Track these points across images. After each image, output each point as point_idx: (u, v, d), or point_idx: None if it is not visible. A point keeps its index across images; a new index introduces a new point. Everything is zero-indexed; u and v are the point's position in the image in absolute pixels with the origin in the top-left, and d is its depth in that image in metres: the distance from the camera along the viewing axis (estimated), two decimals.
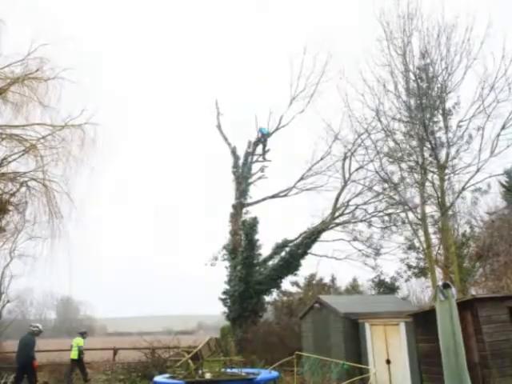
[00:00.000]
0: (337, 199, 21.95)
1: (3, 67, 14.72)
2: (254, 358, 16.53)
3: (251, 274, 21.38)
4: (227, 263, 22.92)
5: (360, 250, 21.60)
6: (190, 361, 11.30)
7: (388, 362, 11.62)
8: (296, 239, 22.81)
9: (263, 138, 24.16)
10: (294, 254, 21.77)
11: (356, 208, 21.56)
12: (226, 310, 22.13)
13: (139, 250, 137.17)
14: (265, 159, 24.68)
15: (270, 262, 22.52)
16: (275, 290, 22.79)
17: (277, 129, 24.50)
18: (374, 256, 21.12)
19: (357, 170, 20.64)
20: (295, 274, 22.36)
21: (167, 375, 11.99)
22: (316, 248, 22.37)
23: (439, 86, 16.54)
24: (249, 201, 24.12)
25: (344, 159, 20.68)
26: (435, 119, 16.78)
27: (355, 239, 21.51)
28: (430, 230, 17.67)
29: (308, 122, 25.95)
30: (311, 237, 21.92)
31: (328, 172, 21.93)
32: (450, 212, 17.35)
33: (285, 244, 22.79)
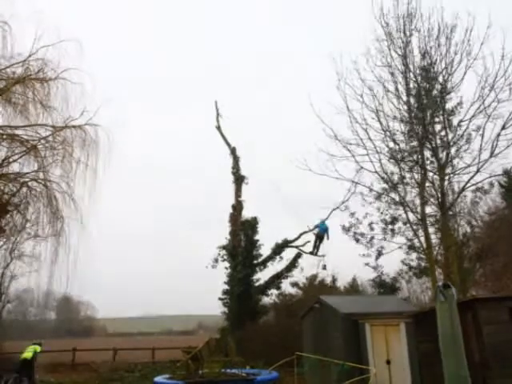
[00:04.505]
0: None
1: (5, 68, 14.73)
2: (254, 359, 16.54)
3: (251, 274, 21.40)
4: (227, 263, 22.95)
5: (363, 255, 21.58)
6: (189, 361, 11.32)
7: (388, 362, 11.61)
8: (296, 239, 22.84)
9: (319, 233, 20.56)
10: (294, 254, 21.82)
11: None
12: (225, 310, 22.14)
13: (139, 250, 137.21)
14: (317, 254, 21.21)
15: (270, 262, 22.55)
16: (275, 290, 22.83)
17: None
18: (376, 256, 21.09)
19: (357, 171, 20.62)
20: (292, 270, 22.46)
21: (167, 375, 12.02)
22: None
23: (439, 86, 16.56)
24: None
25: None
26: (435, 119, 16.80)
27: (356, 240, 21.49)
28: (430, 230, 17.68)
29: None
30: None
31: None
32: (450, 212, 17.35)
33: (285, 244, 22.81)
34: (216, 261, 23.25)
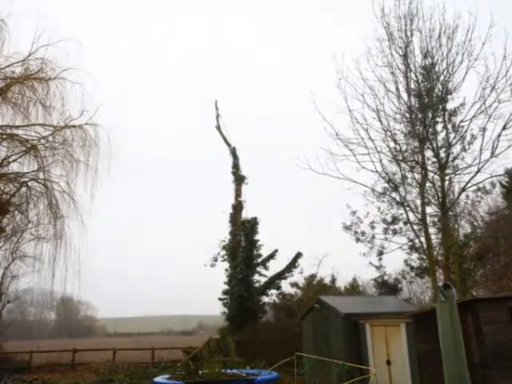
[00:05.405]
0: None
1: (4, 67, 14.71)
2: (254, 359, 16.52)
3: (251, 274, 21.36)
4: (227, 264, 22.91)
5: (363, 254, 21.52)
6: (190, 361, 11.30)
7: (388, 362, 11.59)
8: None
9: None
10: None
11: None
12: (225, 310, 22.10)
13: (139, 251, 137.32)
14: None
15: (271, 262, 22.53)
16: (275, 290, 22.80)
17: None
18: (378, 257, 21.03)
19: (358, 170, 20.59)
20: (291, 271, 22.46)
21: (167, 375, 12.00)
22: (316, 248, 22.41)
23: (440, 86, 16.54)
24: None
25: None
26: (436, 119, 16.78)
27: (357, 239, 21.44)
28: (431, 230, 17.64)
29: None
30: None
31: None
32: (451, 212, 17.32)
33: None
34: (215, 259, 23.23)
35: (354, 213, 20.76)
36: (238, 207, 23.99)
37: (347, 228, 20.66)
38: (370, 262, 21.04)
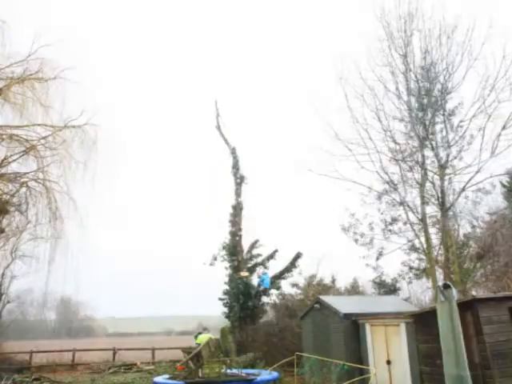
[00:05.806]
0: None
1: (4, 67, 14.71)
2: (254, 359, 16.52)
3: (251, 274, 21.36)
4: (227, 264, 22.89)
5: (363, 257, 21.49)
6: (189, 361, 11.30)
7: (388, 362, 11.58)
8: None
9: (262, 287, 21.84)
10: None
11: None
12: (226, 310, 22.09)
13: (139, 251, 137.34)
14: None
15: (271, 262, 22.52)
16: (275, 290, 22.79)
17: None
18: (377, 257, 21.01)
19: (358, 171, 20.56)
20: (291, 271, 22.50)
21: (167, 376, 11.99)
22: (316, 248, 22.42)
23: (440, 86, 16.55)
24: None
25: None
26: (436, 119, 16.79)
27: (355, 240, 21.44)
28: (431, 230, 17.65)
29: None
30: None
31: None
32: (451, 212, 17.34)
33: None
34: (215, 259, 23.19)
35: (352, 215, 20.75)
36: (237, 207, 23.96)
37: (346, 230, 20.66)
38: (367, 264, 21.04)
